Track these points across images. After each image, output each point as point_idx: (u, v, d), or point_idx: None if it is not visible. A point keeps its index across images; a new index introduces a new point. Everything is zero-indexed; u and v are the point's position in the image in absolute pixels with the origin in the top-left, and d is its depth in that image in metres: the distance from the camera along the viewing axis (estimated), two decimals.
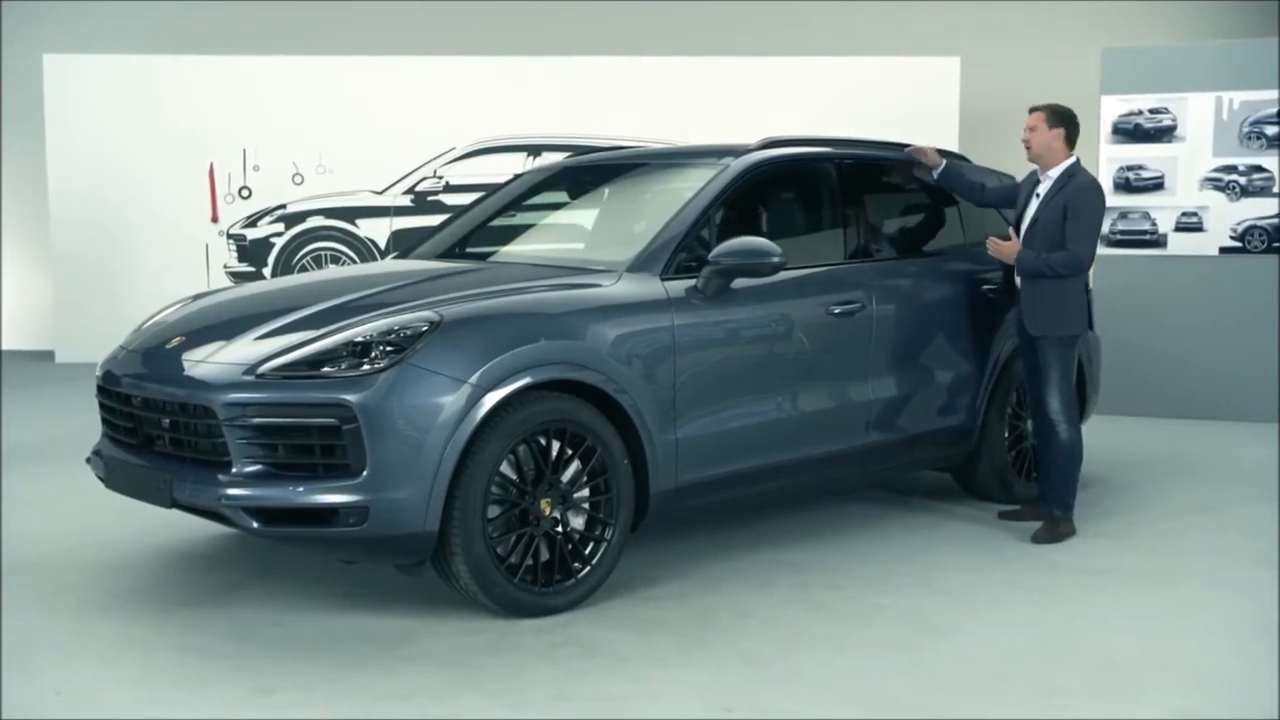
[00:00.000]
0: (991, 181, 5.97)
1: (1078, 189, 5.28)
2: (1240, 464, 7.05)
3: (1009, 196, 5.72)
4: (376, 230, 11.61)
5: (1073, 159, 5.39)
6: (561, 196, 6.03)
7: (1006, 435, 5.90)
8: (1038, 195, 5.42)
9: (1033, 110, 5.46)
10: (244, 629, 4.17)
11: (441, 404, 4.00)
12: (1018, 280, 5.45)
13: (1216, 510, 5.95)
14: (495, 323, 4.25)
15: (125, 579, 4.74)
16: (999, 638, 4.14)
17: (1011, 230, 5.52)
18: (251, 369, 4.09)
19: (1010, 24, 12.22)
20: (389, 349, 4.06)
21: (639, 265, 4.72)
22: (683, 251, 4.79)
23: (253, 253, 11.60)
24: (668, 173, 5.64)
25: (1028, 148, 5.43)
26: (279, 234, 11.59)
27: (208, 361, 4.26)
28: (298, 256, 11.57)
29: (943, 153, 5.96)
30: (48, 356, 11.97)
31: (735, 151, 5.28)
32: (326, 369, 4.05)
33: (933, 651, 4.00)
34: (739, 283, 4.80)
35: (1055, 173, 5.36)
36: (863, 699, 3.63)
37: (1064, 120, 5.39)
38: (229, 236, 11.65)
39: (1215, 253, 8.58)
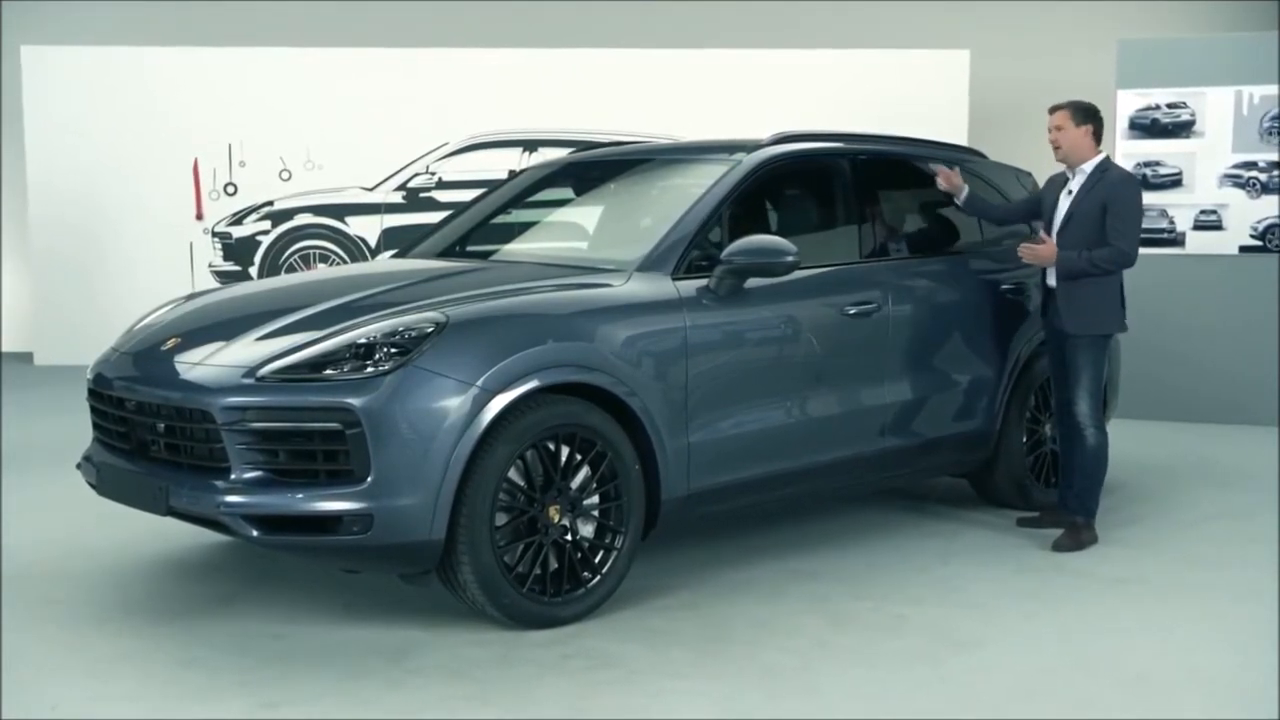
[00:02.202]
0: (1010, 182, 5.98)
1: (1115, 183, 5.30)
2: (1262, 469, 7.06)
3: (1031, 209, 5.75)
4: (367, 228, 11.59)
5: (1103, 154, 5.41)
6: (566, 193, 6.02)
7: (1025, 440, 5.89)
8: (1069, 193, 5.41)
9: (1054, 109, 5.44)
10: (244, 641, 4.15)
11: (448, 408, 3.99)
12: (1050, 279, 5.44)
13: (1240, 517, 5.95)
14: (503, 324, 4.23)
15: (119, 590, 4.72)
16: (1025, 650, 4.14)
17: (1043, 233, 5.48)
18: (251, 371, 4.07)
19: (1021, 16, 12.24)
20: (393, 351, 4.04)
21: (649, 264, 4.71)
22: (694, 250, 4.78)
23: (239, 251, 11.57)
24: (677, 169, 5.63)
25: (1056, 148, 5.41)
26: (266, 232, 11.57)
27: (205, 363, 4.23)
28: (285, 255, 11.54)
29: (971, 150, 5.96)
30: (26, 358, 11.93)
31: (747, 147, 5.27)
32: (329, 371, 4.03)
33: (958, 664, 4.00)
34: (752, 282, 4.80)
35: (1088, 168, 5.36)
36: (889, 713, 3.62)
37: (1090, 116, 5.39)
38: (214, 234, 11.62)
39: (1235, 252, 8.59)
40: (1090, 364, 5.33)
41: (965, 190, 5.72)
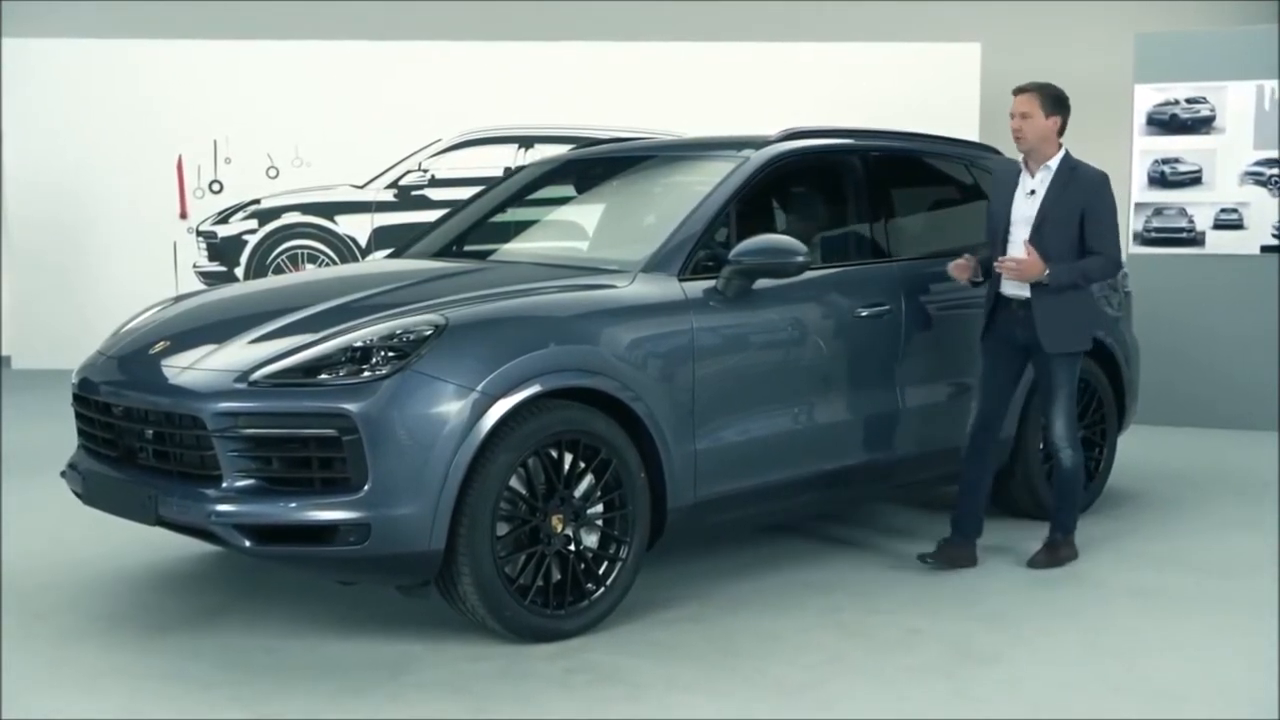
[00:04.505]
0: None
1: (1092, 184, 5.08)
2: None
3: (998, 220, 5.24)
4: (357, 227, 11.58)
5: (1064, 148, 5.15)
6: (567, 191, 6.03)
7: (1042, 447, 5.89)
8: (1030, 193, 5.13)
9: (1021, 91, 5.13)
10: (235, 655, 4.15)
11: (447, 413, 3.99)
12: (1010, 290, 5.15)
13: (1262, 527, 5.95)
14: (504, 327, 4.24)
15: (106, 602, 4.71)
16: (1046, 665, 4.14)
17: (1026, 244, 5.06)
18: (243, 376, 4.08)
19: (1035, 8, 12.23)
20: (391, 354, 4.05)
21: (655, 265, 4.72)
22: (701, 250, 4.79)
23: (224, 251, 11.56)
24: (682, 166, 5.65)
25: (1019, 138, 5.11)
26: (252, 231, 11.56)
27: (195, 368, 4.24)
28: (272, 255, 11.54)
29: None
30: (3, 362, 11.90)
31: (755, 143, 5.28)
32: (324, 376, 4.03)
33: (975, 678, 4.01)
34: (761, 284, 4.80)
35: (1054, 164, 5.10)
36: None
37: (1060, 105, 5.08)
38: (199, 234, 11.60)
39: (1256, 251, 8.59)
40: (1067, 382, 5.16)
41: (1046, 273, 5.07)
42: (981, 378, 5.31)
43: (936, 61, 11.57)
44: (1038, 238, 5.05)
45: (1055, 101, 5.09)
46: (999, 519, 5.93)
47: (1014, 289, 5.13)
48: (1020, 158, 5.22)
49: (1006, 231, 5.17)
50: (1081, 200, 5.06)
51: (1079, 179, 5.09)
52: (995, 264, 5.11)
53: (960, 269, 5.26)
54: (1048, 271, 5.00)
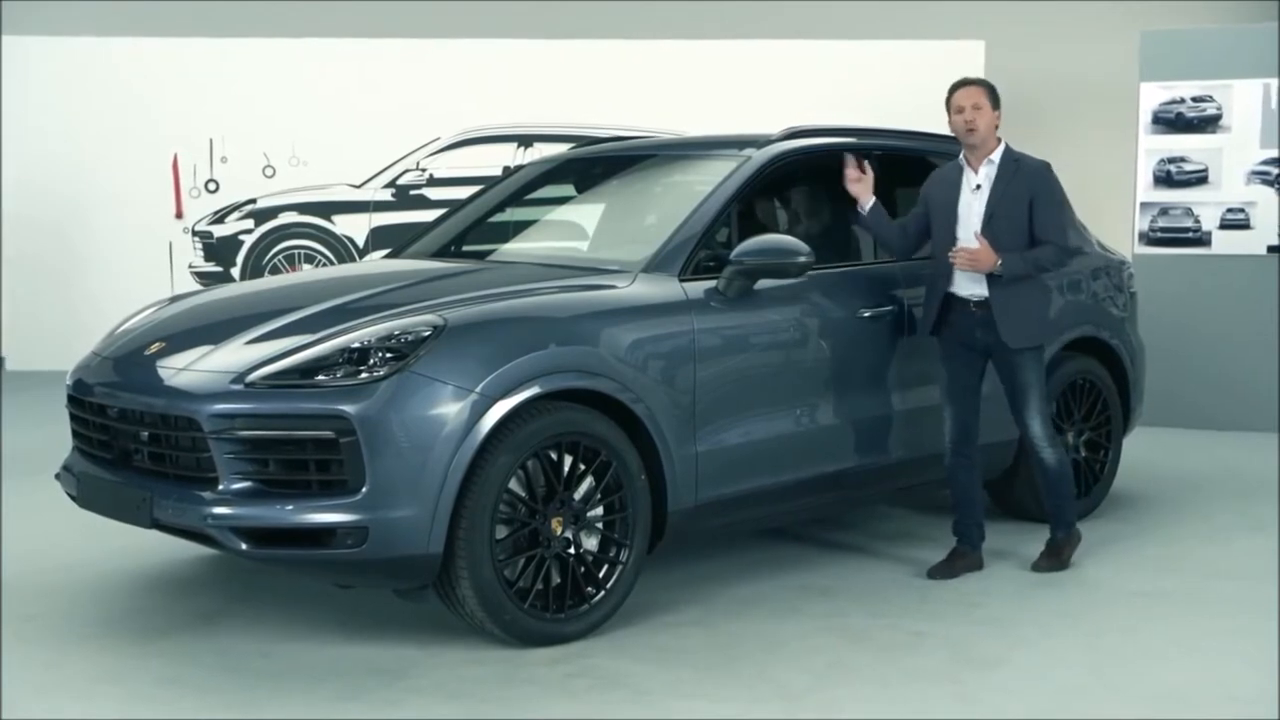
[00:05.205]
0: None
1: (1037, 174, 5.06)
2: None
3: (924, 223, 5.25)
4: (354, 227, 11.59)
5: (1003, 143, 5.15)
6: (567, 190, 6.03)
7: None
8: (976, 188, 5.10)
9: (964, 85, 5.16)
10: (231, 660, 4.15)
11: (446, 415, 4.00)
12: (962, 289, 5.08)
13: (1266, 529, 5.94)
14: (503, 327, 4.25)
15: (100, 606, 4.72)
16: (1049, 668, 4.14)
17: (977, 235, 5.01)
18: (239, 377, 4.08)
19: (1039, 6, 12.22)
20: (389, 355, 4.05)
21: (656, 265, 4.72)
22: (702, 250, 4.80)
23: (220, 251, 11.57)
24: (683, 165, 5.66)
25: (972, 130, 5.08)
26: (248, 231, 11.57)
27: (191, 369, 4.24)
28: (269, 255, 11.55)
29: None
30: None
31: (757, 142, 5.29)
32: (321, 377, 4.04)
33: (979, 682, 4.01)
34: (763, 284, 4.81)
35: (996, 158, 5.09)
36: None
37: (999, 101, 5.13)
38: (194, 234, 11.61)
39: (1263, 252, 8.59)
40: (1037, 380, 5.12)
41: (873, 201, 5.20)
42: (947, 388, 5.23)
43: (940, 59, 11.52)
44: (989, 231, 5.03)
45: (997, 95, 5.16)
46: (1002, 521, 5.93)
47: (970, 288, 5.07)
48: (961, 155, 5.21)
49: (954, 229, 5.11)
50: (1028, 191, 5.05)
51: (1024, 170, 5.09)
52: (949, 255, 5.06)
53: (859, 183, 5.19)
54: (1000, 262, 4.97)
